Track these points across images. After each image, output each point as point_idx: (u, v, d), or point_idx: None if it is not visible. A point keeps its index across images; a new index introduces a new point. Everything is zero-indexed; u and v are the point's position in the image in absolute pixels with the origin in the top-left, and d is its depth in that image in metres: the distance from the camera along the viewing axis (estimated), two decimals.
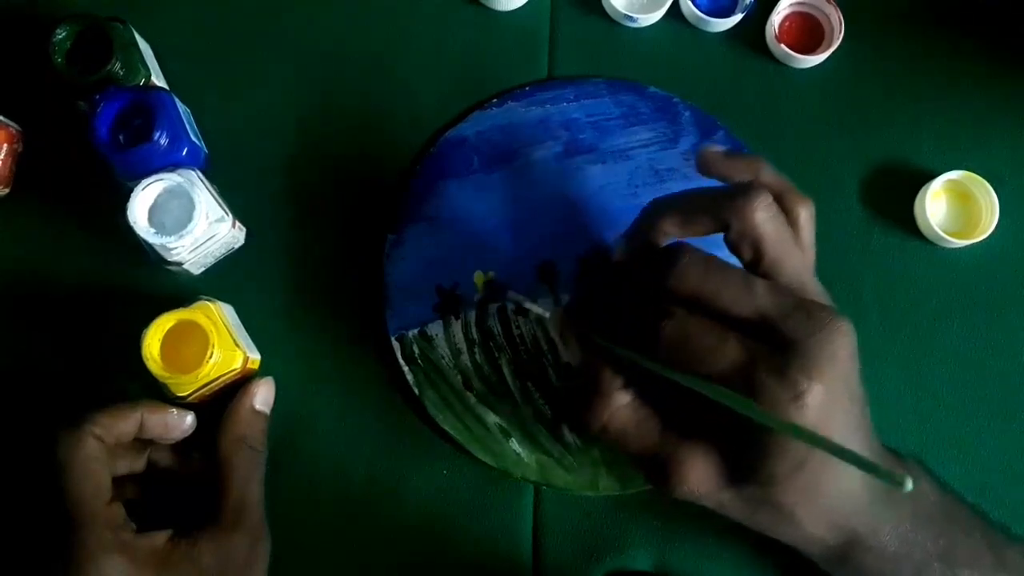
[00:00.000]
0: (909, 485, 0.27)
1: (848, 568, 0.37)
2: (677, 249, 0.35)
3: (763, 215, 0.35)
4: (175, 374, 0.40)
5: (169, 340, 0.40)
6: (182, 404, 0.41)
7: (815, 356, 0.33)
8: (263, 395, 0.43)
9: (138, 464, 0.41)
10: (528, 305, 0.44)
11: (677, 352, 0.34)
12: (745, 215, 0.35)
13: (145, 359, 0.39)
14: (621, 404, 0.36)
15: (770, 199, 0.35)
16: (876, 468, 0.28)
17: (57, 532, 0.36)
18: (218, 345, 0.40)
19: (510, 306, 0.46)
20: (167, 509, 0.41)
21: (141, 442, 0.41)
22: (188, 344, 0.40)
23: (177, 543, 0.38)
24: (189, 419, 0.41)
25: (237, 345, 0.42)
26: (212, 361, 0.40)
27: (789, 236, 0.36)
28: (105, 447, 0.38)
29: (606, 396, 0.36)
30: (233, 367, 0.41)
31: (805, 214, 0.37)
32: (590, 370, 0.37)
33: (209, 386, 0.41)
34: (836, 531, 0.36)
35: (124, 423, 0.39)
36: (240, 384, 0.43)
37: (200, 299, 0.42)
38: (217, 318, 0.41)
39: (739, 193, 0.35)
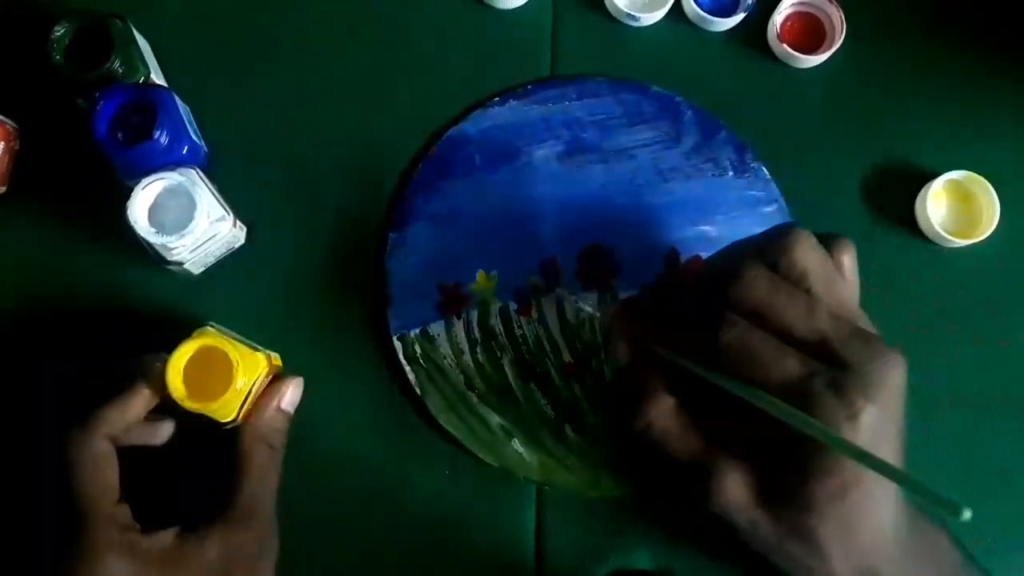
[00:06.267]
0: (967, 514, 0.27)
1: None
2: (743, 263, 0.36)
3: (806, 249, 0.36)
4: (213, 401, 0.38)
5: (190, 376, 0.38)
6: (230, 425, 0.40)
7: (873, 380, 0.33)
8: (291, 396, 0.42)
9: (153, 435, 0.41)
10: (579, 304, 0.45)
11: (735, 359, 0.35)
12: (789, 250, 0.36)
13: (181, 401, 0.38)
14: (666, 407, 0.37)
15: (812, 237, 0.37)
16: (932, 493, 0.28)
17: (65, 531, 0.36)
18: (239, 354, 0.39)
19: (512, 305, 0.46)
20: (175, 506, 0.40)
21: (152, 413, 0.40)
22: (208, 371, 0.38)
23: (185, 539, 0.38)
24: (168, 427, 0.41)
25: (256, 349, 0.41)
26: (241, 372, 0.38)
27: (833, 269, 0.37)
28: (114, 446, 0.38)
29: (653, 396, 0.37)
30: (260, 369, 0.40)
31: (847, 255, 0.38)
32: (637, 371, 0.39)
33: (249, 397, 0.40)
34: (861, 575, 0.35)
35: (131, 410, 0.39)
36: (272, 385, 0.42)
37: (195, 332, 0.40)
38: (221, 336, 0.39)
39: (783, 233, 0.37)
